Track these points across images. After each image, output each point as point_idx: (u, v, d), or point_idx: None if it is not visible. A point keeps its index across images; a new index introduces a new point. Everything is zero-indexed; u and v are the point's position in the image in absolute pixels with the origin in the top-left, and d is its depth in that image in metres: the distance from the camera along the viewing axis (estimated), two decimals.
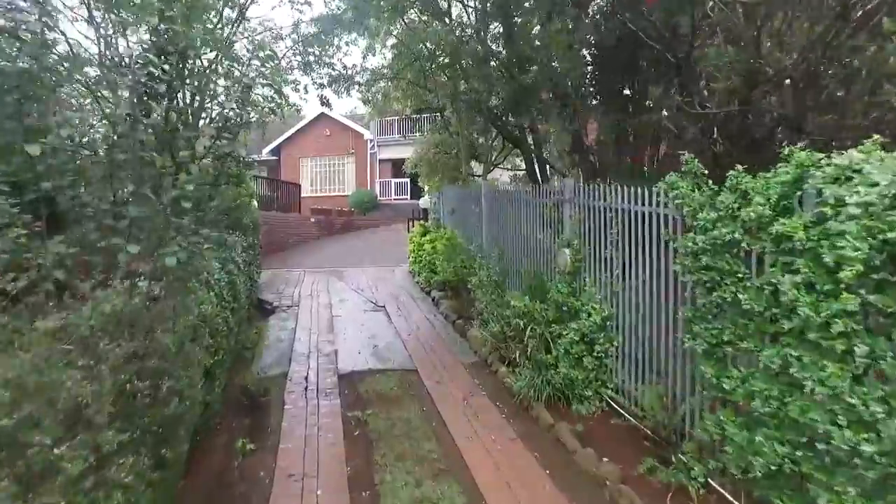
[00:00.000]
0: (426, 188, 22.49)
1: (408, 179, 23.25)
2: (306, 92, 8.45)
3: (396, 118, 23.40)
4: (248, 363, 5.80)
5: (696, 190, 3.23)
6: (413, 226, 11.81)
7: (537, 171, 10.33)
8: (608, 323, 4.29)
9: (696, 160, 3.32)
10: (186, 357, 3.06)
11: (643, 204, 3.84)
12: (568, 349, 4.42)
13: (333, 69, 8.43)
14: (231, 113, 3.89)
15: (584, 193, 4.71)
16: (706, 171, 3.25)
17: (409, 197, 23.33)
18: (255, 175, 13.64)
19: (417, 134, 23.46)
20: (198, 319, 3.57)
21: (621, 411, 4.14)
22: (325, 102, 8.54)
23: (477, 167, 10.50)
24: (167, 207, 2.52)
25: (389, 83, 10.57)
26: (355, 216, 19.51)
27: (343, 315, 7.72)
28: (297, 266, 12.40)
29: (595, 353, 4.28)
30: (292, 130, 25.22)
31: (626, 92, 7.75)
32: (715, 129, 4.93)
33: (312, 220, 16.70)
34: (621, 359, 4.23)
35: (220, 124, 3.30)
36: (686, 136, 5.97)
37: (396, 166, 24.26)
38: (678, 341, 3.44)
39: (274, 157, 25.73)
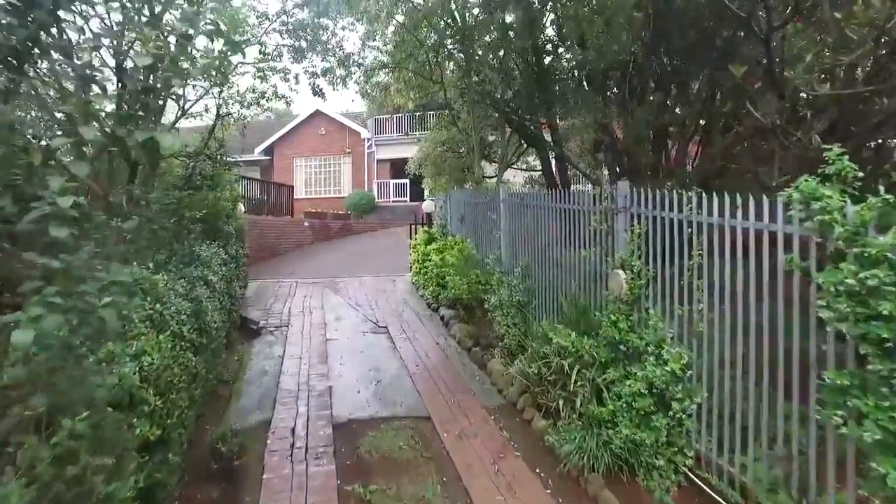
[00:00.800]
0: (428, 190, 21.55)
1: (407, 180, 22.29)
2: (297, 82, 7.36)
3: (395, 116, 22.46)
4: (224, 405, 4.80)
5: (850, 201, 2.26)
6: (416, 232, 10.82)
7: (555, 172, 9.38)
8: (688, 372, 3.30)
9: (845, 158, 2.34)
10: (105, 443, 2.06)
11: (748, 218, 2.86)
12: (630, 402, 3.43)
13: (328, 54, 7.42)
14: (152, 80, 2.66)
15: (649, 202, 3.73)
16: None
17: (408, 199, 22.35)
18: (242, 176, 12.61)
19: (417, 132, 22.52)
20: (138, 377, 2.57)
21: (709, 491, 3.15)
22: (317, 92, 7.55)
23: (488, 168, 9.54)
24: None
25: (390, 75, 9.60)
26: (352, 220, 18.50)
27: (339, 338, 6.72)
28: (288, 276, 11.39)
29: (671, 413, 3.29)
30: (286, 129, 24.18)
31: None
32: (815, 117, 3.94)
33: (306, 223, 15.69)
34: (705, 419, 3.24)
35: (128, 96, 2.20)
36: (771, 127, 4.99)
37: (395, 166, 23.30)
38: (811, 411, 2.46)
39: (266, 157, 24.68)
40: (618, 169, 7.77)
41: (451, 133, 8.80)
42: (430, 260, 8.37)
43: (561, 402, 3.92)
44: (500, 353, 5.57)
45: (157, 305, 3.26)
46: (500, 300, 5.85)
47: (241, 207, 10.03)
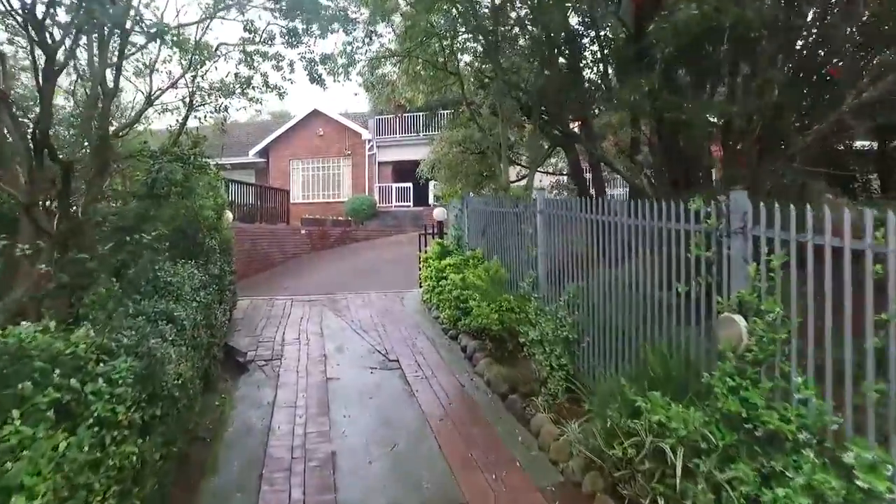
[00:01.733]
0: (432, 195, 20.46)
1: (410, 184, 21.25)
2: (292, 70, 6.26)
3: (398, 116, 21.43)
4: (197, 478, 3.70)
5: None
6: (427, 243, 9.73)
7: (588, 176, 8.31)
8: (886, 487, 2.21)
9: None
10: None
11: None
12: None
13: (329, 31, 6.33)
14: None
15: (782, 221, 2.65)
16: None
17: (411, 204, 21.29)
18: (229, 180, 11.51)
19: (423, 133, 21.45)
20: None
21: None
22: (315, 79, 6.45)
23: (510, 171, 8.48)
24: None
25: (398, 65, 8.52)
26: (353, 227, 17.41)
27: (342, 377, 5.62)
28: (283, 292, 10.29)
29: None
30: (282, 129, 23.14)
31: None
32: None
33: (303, 231, 14.60)
34: None
35: None
36: None
37: (398, 169, 22.26)
38: None
39: (262, 160, 23.62)
40: (667, 173, 6.70)
41: (470, 131, 7.72)
42: (446, 278, 7.28)
43: (659, 500, 2.82)
44: (545, 405, 4.48)
45: (73, 380, 2.17)
46: (542, 335, 4.77)
47: (229, 216, 8.93)
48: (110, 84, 3.46)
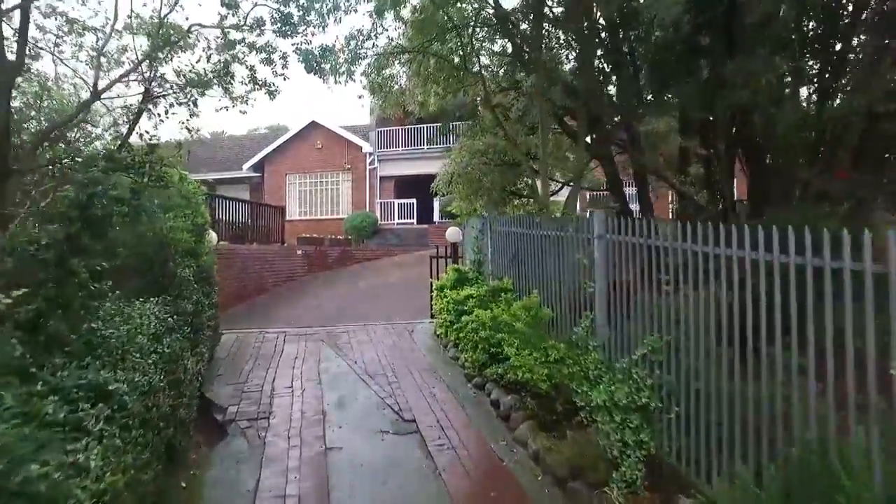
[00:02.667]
0: (439, 210, 19.41)
1: (414, 200, 20.23)
2: (285, 65, 5.19)
3: (401, 128, 20.51)
4: None
5: None
6: (439, 268, 8.63)
7: (629, 191, 7.24)
8: None
9: None
10: None
11: None
12: None
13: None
14: None
15: None
16: None
17: (415, 221, 20.23)
18: (216, 195, 10.43)
19: (427, 146, 20.46)
20: None
21: None
22: (314, 68, 5.38)
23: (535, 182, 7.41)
24: None
25: (407, 67, 7.50)
26: (352, 246, 16.29)
27: (346, 447, 4.45)
28: (276, 323, 9.15)
29: None
30: (278, 142, 22.19)
31: None
32: None
33: (300, 252, 13.49)
34: None
35: None
36: None
37: (401, 184, 21.26)
38: None
39: (256, 174, 22.63)
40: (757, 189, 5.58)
41: (493, 140, 6.65)
42: (467, 312, 6.17)
43: None
44: (623, 499, 3.33)
45: None
46: (612, 399, 3.63)
47: (213, 237, 7.82)
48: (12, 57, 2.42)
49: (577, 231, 4.60)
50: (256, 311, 10.32)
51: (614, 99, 6.21)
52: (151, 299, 4.35)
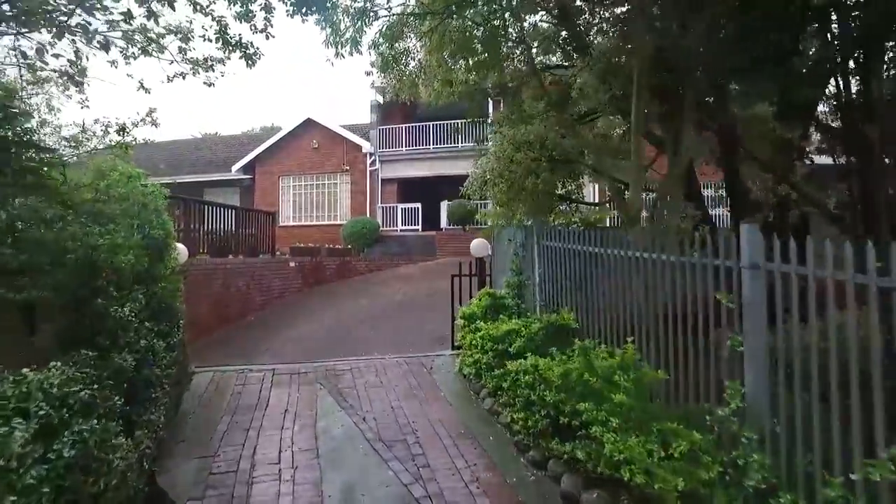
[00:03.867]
0: (446, 216, 17.92)
1: (419, 205, 18.75)
2: (269, 18, 3.63)
3: (405, 126, 19.07)
4: None
5: None
6: (462, 291, 7.13)
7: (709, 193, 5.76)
8: None
9: None
10: None
11: None
12: None
13: None
14: None
15: None
16: None
17: (420, 227, 18.72)
18: (191, 200, 8.86)
19: (435, 144, 18.98)
20: None
21: None
22: (306, 8, 3.86)
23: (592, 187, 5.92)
24: None
25: (427, 39, 6.01)
26: (353, 257, 14.75)
27: None
28: (262, 355, 7.63)
29: None
30: (270, 141, 20.70)
31: None
32: None
33: (293, 264, 11.97)
34: None
35: None
36: None
37: (405, 187, 19.79)
38: None
39: (247, 177, 21.12)
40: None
41: (543, 129, 5.11)
42: (511, 353, 4.68)
43: None
44: None
45: None
46: None
47: (182, 252, 6.31)
48: None
49: (710, 256, 3.10)
50: (240, 339, 8.78)
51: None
52: (54, 364, 2.83)
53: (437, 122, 18.95)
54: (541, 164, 5.10)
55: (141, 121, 4.00)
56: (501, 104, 7.94)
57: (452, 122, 18.79)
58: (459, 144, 18.60)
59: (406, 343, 7.95)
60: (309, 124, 20.09)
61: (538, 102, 5.11)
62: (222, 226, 9.50)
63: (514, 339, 4.92)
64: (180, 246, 6.37)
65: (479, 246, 7.49)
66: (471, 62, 5.54)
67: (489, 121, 9.09)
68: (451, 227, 17.76)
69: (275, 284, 11.15)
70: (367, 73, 6.38)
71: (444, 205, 18.01)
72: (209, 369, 6.72)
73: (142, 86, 3.97)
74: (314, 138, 20.00)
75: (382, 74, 6.09)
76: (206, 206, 9.23)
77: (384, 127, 19.42)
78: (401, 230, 18.88)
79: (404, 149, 19.16)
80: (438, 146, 18.84)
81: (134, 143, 4.18)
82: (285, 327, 9.35)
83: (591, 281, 4.49)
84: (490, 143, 5.51)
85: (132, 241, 4.15)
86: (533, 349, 4.64)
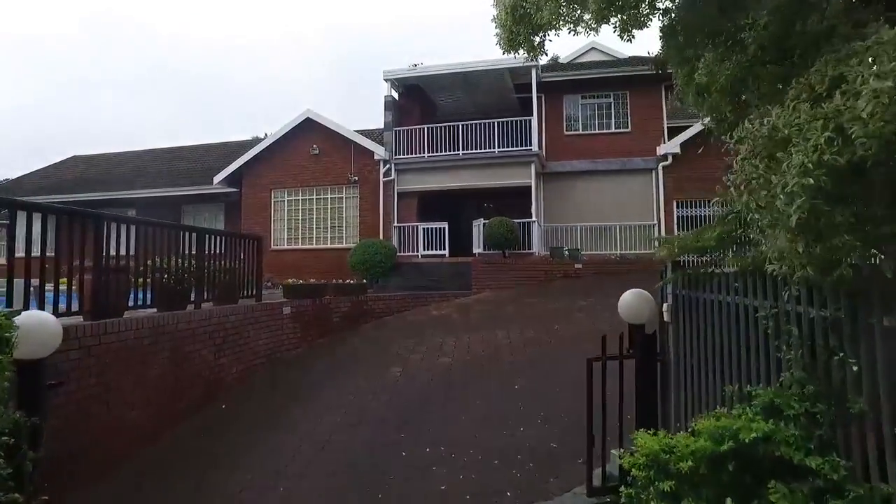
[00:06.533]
0: (481, 238, 14.54)
1: (445, 224, 15.45)
2: None
3: (426, 127, 15.88)
4: None
5: None
6: (612, 380, 3.75)
7: None
8: None
9: None
10: None
11: None
12: None
13: None
14: None
15: None
16: None
17: (447, 252, 15.39)
18: (100, 217, 5.09)
19: (464, 150, 15.78)
20: None
21: None
22: None
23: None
24: None
25: None
26: (368, 295, 11.33)
27: None
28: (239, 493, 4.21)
29: None
30: (261, 146, 17.47)
31: None
32: None
33: (288, 310, 8.58)
34: None
35: None
36: None
37: (426, 202, 16.52)
38: None
39: (232, 190, 17.82)
40: None
41: None
42: None
43: None
44: None
45: None
46: None
47: (48, 331, 2.93)
48: None
49: None
50: (196, 459, 5.33)
51: None
52: None
53: (467, 122, 15.77)
54: None
55: None
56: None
57: (486, 121, 15.64)
58: (496, 149, 15.40)
59: (481, 468, 4.55)
60: (308, 125, 16.87)
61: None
62: (176, 261, 6.14)
63: None
64: (41, 317, 3.01)
65: (635, 304, 4.13)
66: None
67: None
68: (487, 251, 14.45)
69: (261, 343, 7.74)
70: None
71: (477, 224, 14.71)
72: None
73: None
74: (314, 142, 16.75)
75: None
76: (147, 229, 5.86)
77: (401, 128, 16.20)
78: (422, 256, 15.53)
79: (426, 154, 15.91)
80: (469, 151, 15.62)
81: None
82: (271, 428, 5.90)
83: None
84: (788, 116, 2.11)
85: None
86: None
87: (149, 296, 5.85)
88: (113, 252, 5.03)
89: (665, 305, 4.02)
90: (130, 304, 5.33)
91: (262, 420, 6.11)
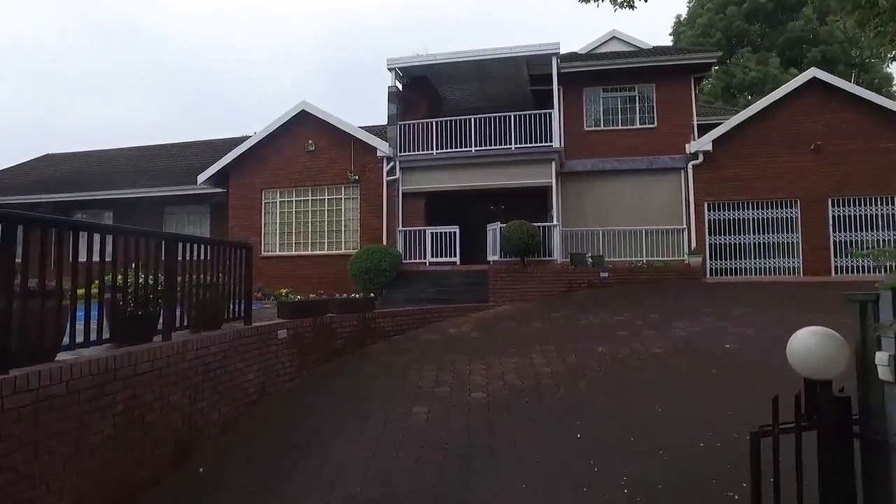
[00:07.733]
0: (498, 244, 13.03)
1: (456, 228, 14.03)
2: None
3: (435, 120, 14.49)
4: None
5: None
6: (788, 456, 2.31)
7: None
8: None
9: None
10: None
11: None
12: None
13: None
14: None
15: None
16: None
17: (457, 260, 13.96)
18: (52, 222, 3.53)
19: (474, 146, 14.34)
20: None
21: None
22: None
23: None
24: None
25: None
26: (369, 307, 9.82)
27: None
28: None
29: None
30: (250, 143, 15.96)
31: None
32: None
33: (283, 333, 7.08)
34: None
35: None
36: None
37: (434, 204, 15.09)
38: None
39: (218, 190, 16.29)
40: None
41: None
42: None
43: None
44: None
45: None
46: None
47: None
48: None
49: None
50: None
51: None
52: None
53: (481, 116, 14.36)
54: None
55: None
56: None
57: (502, 115, 14.24)
58: (513, 145, 13.99)
59: None
60: (303, 118, 15.39)
61: None
62: (137, 276, 4.64)
63: None
64: None
65: (820, 350, 2.70)
66: None
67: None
68: (505, 258, 13.03)
69: (251, 377, 6.24)
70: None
71: (493, 229, 13.28)
72: None
73: None
74: (310, 137, 15.26)
75: None
76: (95, 235, 4.33)
77: (407, 122, 14.76)
78: (430, 263, 14.08)
79: (435, 151, 14.48)
80: (482, 147, 14.21)
81: None
82: (267, 491, 4.39)
83: None
84: None
85: None
86: None
87: (98, 327, 4.33)
88: (37, 269, 3.51)
89: (885, 357, 2.59)
90: (66, 342, 3.82)
91: (254, 490, 4.61)
